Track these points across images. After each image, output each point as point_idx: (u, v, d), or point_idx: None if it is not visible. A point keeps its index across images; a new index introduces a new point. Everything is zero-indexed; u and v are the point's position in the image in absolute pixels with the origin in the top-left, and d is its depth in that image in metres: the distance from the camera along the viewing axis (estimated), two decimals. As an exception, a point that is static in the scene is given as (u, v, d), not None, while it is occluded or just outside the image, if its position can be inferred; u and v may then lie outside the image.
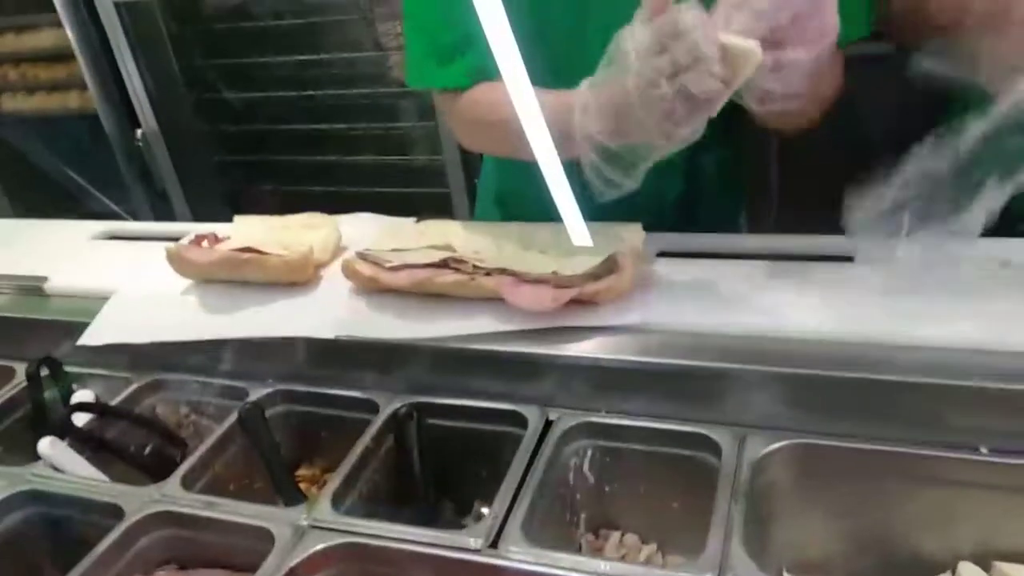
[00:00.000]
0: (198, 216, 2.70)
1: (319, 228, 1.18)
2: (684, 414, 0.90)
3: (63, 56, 2.72)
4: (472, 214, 2.27)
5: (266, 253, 1.08)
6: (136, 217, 2.85)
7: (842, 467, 0.83)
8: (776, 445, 0.84)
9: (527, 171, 0.93)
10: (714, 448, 0.85)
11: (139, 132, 2.65)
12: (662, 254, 1.06)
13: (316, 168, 2.57)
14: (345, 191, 2.49)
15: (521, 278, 0.96)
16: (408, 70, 1.16)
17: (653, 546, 0.94)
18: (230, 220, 1.28)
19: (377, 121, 2.39)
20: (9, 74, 2.83)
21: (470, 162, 2.25)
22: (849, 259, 0.99)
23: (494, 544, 0.79)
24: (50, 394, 1.15)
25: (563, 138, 0.86)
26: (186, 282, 1.16)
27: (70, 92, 2.83)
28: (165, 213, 2.76)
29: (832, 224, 1.05)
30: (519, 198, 1.28)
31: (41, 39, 2.73)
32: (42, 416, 1.13)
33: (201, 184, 2.72)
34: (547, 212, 0.95)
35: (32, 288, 1.23)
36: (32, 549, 0.96)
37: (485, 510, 1.00)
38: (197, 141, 2.67)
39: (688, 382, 0.89)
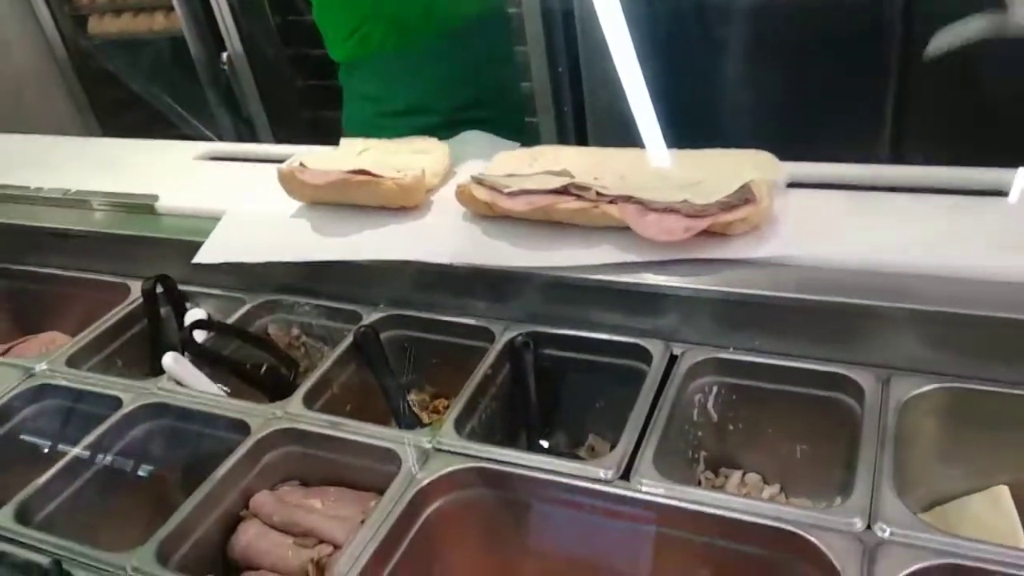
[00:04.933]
0: (281, 142, 2.70)
1: (429, 152, 1.15)
2: (819, 353, 0.86)
3: (149, -24, 2.71)
4: (561, 141, 2.21)
5: (379, 176, 1.06)
6: (220, 139, 2.87)
7: (996, 414, 0.78)
8: (924, 388, 0.79)
9: None
10: (855, 390, 0.82)
11: (224, 56, 2.65)
12: (793, 184, 1.00)
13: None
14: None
15: (648, 206, 0.92)
16: None
17: (776, 487, 0.91)
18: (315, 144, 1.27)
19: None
20: (97, -6, 2.84)
21: (560, 89, 2.17)
22: (1002, 194, 0.92)
23: (625, 476, 0.77)
24: (164, 311, 1.17)
25: None
26: (295, 203, 1.15)
27: (156, 14, 2.84)
28: (249, 137, 2.77)
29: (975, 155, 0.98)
30: None
31: (129, -42, 2.72)
32: (158, 332, 1.15)
33: (285, 109, 2.71)
34: None
35: (144, 207, 1.25)
36: (157, 459, 0.98)
37: (599, 442, 0.99)
38: (281, 65, 2.65)
39: (826, 320, 0.84)
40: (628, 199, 0.94)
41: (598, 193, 0.96)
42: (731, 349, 0.90)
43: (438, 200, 1.11)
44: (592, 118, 1.91)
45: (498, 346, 0.96)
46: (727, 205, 0.89)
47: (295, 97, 2.72)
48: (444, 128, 1.26)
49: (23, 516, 0.86)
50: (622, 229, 0.94)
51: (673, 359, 0.90)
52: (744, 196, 0.90)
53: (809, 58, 1.43)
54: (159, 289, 1.15)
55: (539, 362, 0.97)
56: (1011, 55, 1.39)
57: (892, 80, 1.42)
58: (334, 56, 1.53)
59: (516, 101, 1.73)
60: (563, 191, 0.98)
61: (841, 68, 1.38)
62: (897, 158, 1.36)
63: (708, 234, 0.90)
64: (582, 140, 1.99)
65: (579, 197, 0.96)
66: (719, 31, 1.63)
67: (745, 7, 1.48)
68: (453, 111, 1.45)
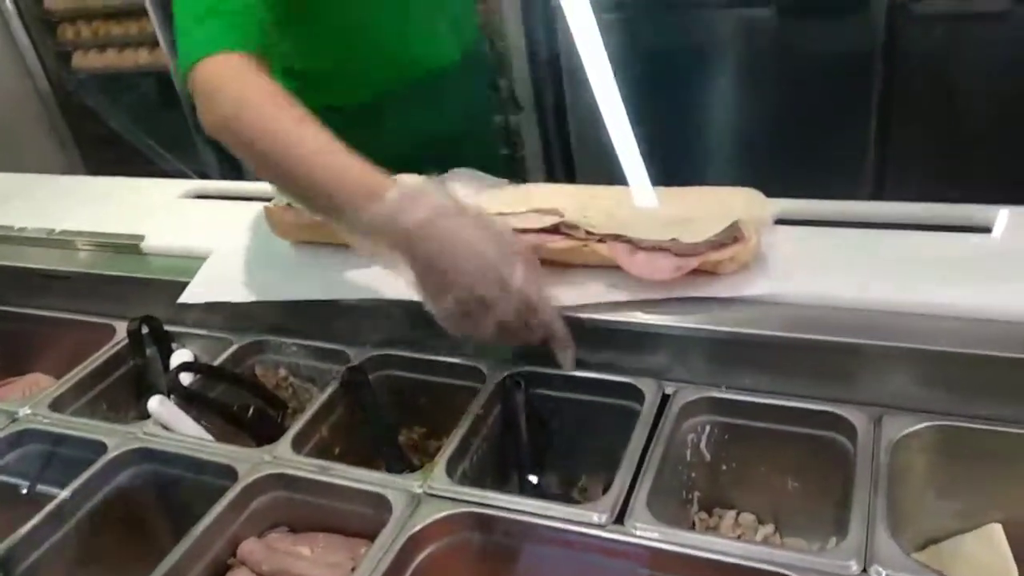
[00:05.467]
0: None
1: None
2: (811, 392, 0.86)
3: (134, 12, 2.72)
4: (549, 178, 2.23)
5: (368, 215, 1.06)
6: (204, 177, 2.86)
7: (987, 451, 0.79)
8: (916, 427, 0.79)
9: None
10: (847, 429, 0.81)
11: (210, 90, 2.65)
12: (780, 221, 1.01)
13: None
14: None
15: (637, 245, 0.93)
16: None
17: (771, 527, 0.91)
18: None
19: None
20: (82, 31, 2.85)
21: (545, 121, 2.19)
22: (986, 230, 0.93)
23: (619, 520, 0.76)
24: (150, 352, 1.15)
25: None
26: (283, 242, 1.15)
27: (140, 49, 2.85)
28: (234, 173, 2.76)
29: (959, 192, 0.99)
30: None
31: (114, -6, 2.74)
32: (144, 375, 1.13)
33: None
34: None
35: (129, 247, 1.24)
36: (143, 506, 0.96)
37: (592, 483, 0.99)
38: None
39: (817, 358, 0.85)
40: (617, 238, 0.94)
41: (587, 232, 0.96)
42: (723, 388, 0.89)
43: (427, 239, 1.11)
44: (579, 154, 1.93)
45: (489, 386, 0.96)
46: (716, 244, 0.90)
47: (281, 131, 2.72)
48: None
49: (6, 567, 0.83)
50: (611, 268, 0.94)
51: (666, 398, 0.90)
52: (732, 234, 0.90)
53: (795, 94, 1.46)
54: (145, 330, 1.14)
55: (530, 402, 0.96)
56: (992, 89, 1.43)
57: (875, 115, 1.45)
58: None
59: (490, 138, 1.64)
60: (552, 230, 0.98)
61: (826, 104, 1.41)
62: (879, 191, 1.38)
63: (697, 272, 0.91)
64: (569, 176, 2.01)
65: (568, 236, 0.97)
66: (705, 68, 1.66)
67: (730, 44, 1.51)
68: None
